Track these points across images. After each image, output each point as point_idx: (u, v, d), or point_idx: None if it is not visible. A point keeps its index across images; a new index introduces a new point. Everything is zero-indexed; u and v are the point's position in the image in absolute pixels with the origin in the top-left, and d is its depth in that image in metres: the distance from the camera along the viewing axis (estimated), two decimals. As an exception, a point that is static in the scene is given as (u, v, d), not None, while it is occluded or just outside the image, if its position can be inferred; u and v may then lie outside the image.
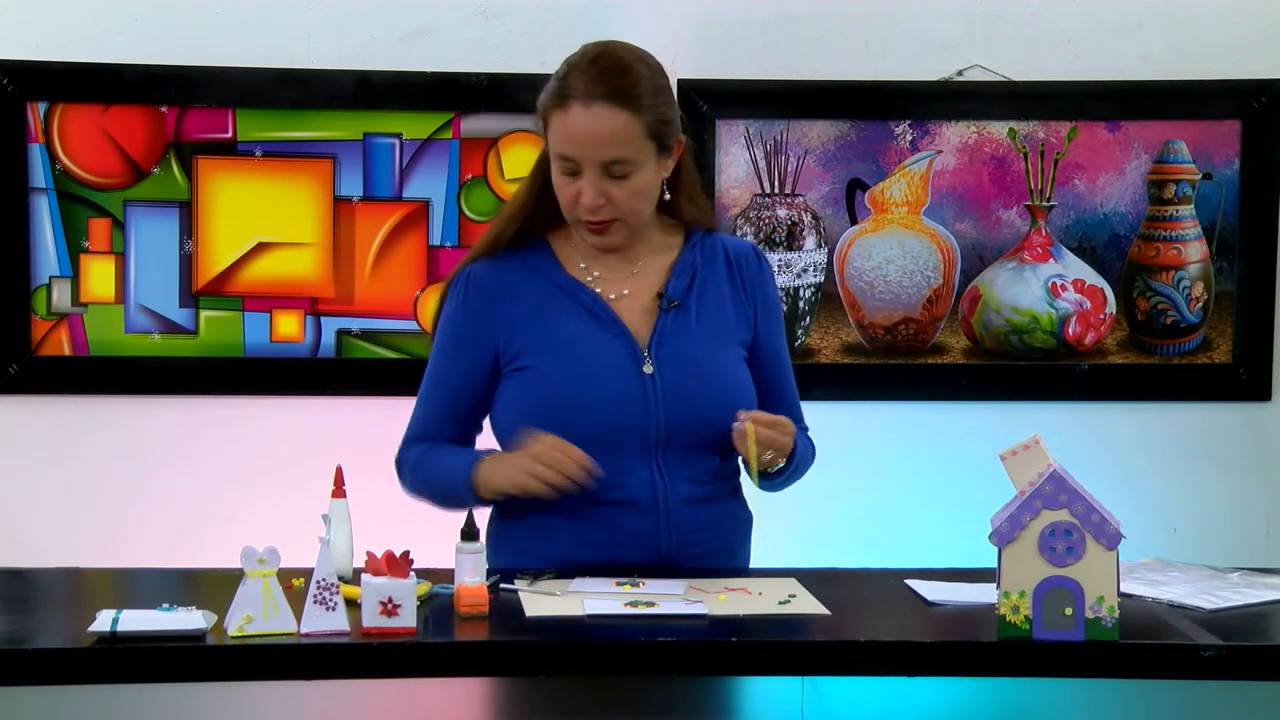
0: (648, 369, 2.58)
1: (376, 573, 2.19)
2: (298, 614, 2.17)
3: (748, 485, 2.64)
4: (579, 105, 2.50)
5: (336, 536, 2.42)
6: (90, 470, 3.65)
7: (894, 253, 3.73)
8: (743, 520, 2.71)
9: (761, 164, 3.70)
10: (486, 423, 2.69)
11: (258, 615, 2.15)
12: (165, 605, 2.20)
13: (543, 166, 2.64)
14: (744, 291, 2.67)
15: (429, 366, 2.69)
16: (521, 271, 2.65)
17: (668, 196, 2.62)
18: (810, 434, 2.73)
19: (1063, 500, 2.15)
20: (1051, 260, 3.74)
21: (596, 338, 2.60)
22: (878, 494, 3.67)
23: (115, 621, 2.13)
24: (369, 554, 2.23)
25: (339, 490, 2.49)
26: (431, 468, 2.63)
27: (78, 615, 2.25)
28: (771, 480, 2.61)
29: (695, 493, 2.57)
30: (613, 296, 2.63)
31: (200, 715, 2.30)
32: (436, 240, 3.67)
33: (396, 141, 3.65)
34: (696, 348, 2.60)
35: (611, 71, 2.51)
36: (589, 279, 2.64)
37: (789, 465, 2.59)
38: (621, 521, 2.56)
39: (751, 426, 2.48)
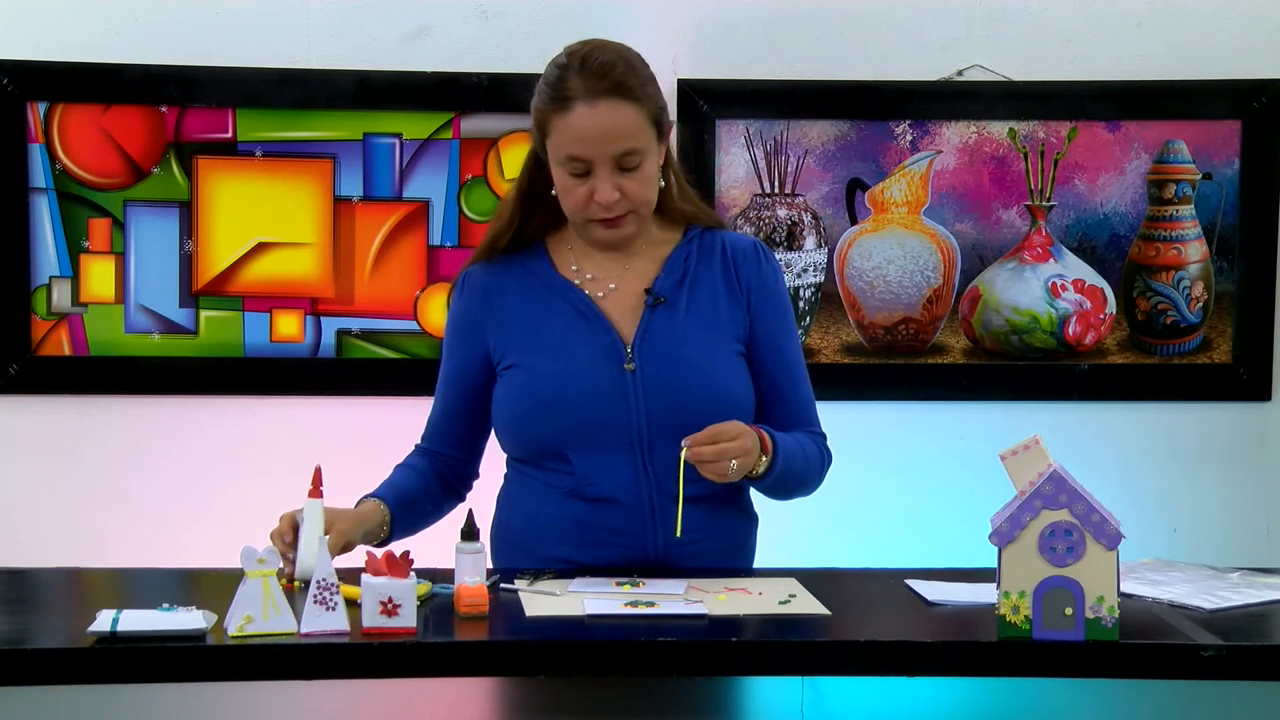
0: (629, 366, 2.58)
1: (376, 573, 2.19)
2: (298, 614, 2.17)
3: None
4: (583, 104, 2.50)
5: (308, 536, 2.40)
6: (90, 470, 3.65)
7: (894, 253, 3.73)
8: (744, 522, 2.70)
9: (761, 164, 3.70)
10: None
11: (258, 615, 2.15)
12: (165, 605, 2.20)
13: (529, 172, 2.65)
14: (739, 287, 2.65)
15: (439, 368, 2.73)
16: (516, 273, 2.66)
17: (662, 184, 2.63)
18: (828, 441, 2.69)
19: (1063, 500, 2.15)
20: (1051, 260, 3.74)
21: (581, 336, 2.60)
22: (878, 494, 3.67)
23: (115, 621, 2.13)
24: (369, 554, 2.23)
25: (315, 490, 2.43)
26: None
27: (78, 615, 2.25)
28: (761, 484, 2.57)
29: (688, 491, 2.52)
30: (601, 294, 2.64)
31: (200, 715, 2.30)
32: (436, 240, 3.67)
33: (396, 141, 3.65)
34: (683, 344, 2.60)
35: (607, 67, 2.51)
36: (580, 279, 2.65)
37: (774, 465, 2.53)
38: (607, 519, 2.56)
39: (685, 453, 2.44)
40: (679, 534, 2.50)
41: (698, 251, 2.67)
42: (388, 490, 2.63)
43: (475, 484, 2.75)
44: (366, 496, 2.61)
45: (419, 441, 2.74)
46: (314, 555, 2.32)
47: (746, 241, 2.72)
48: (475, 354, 2.66)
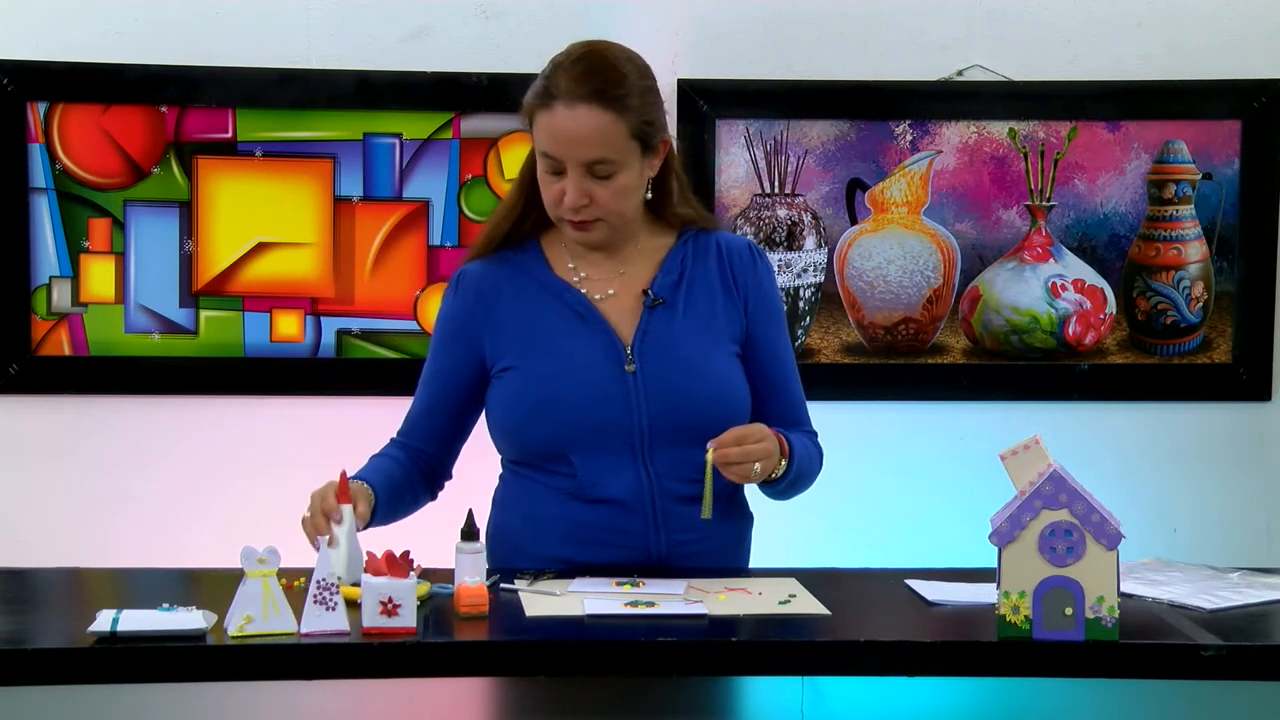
0: (629, 367, 2.58)
1: (376, 573, 2.19)
2: (298, 614, 2.17)
3: (749, 487, 2.64)
4: (562, 105, 2.50)
5: (349, 542, 2.39)
6: (90, 470, 3.65)
7: (894, 253, 3.73)
8: (740, 521, 2.71)
9: (761, 164, 3.70)
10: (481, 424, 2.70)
11: (258, 615, 2.15)
12: (165, 605, 2.21)
13: (531, 167, 2.64)
14: (735, 287, 2.66)
15: (425, 363, 2.72)
16: (511, 272, 2.66)
17: (649, 196, 2.63)
18: (819, 439, 2.71)
19: (1063, 500, 2.15)
20: (1051, 260, 3.74)
21: (580, 337, 2.60)
22: (878, 494, 3.67)
23: (115, 621, 2.13)
24: (369, 554, 2.23)
25: (345, 496, 2.41)
26: None
27: (78, 615, 2.25)
28: (775, 487, 2.59)
29: (688, 491, 2.55)
30: (598, 296, 2.64)
31: (200, 715, 2.30)
32: (436, 240, 3.67)
33: (396, 141, 3.65)
34: (682, 345, 2.60)
35: (596, 72, 2.51)
36: (576, 279, 2.65)
37: (790, 469, 2.56)
38: (609, 520, 2.57)
39: (711, 455, 2.45)
40: (707, 515, 2.49)
41: (693, 253, 2.67)
42: (375, 476, 2.59)
43: (470, 485, 2.74)
44: (349, 478, 2.56)
45: (395, 435, 2.72)
46: (360, 560, 2.33)
47: (740, 242, 2.72)
48: (468, 356, 2.65)
